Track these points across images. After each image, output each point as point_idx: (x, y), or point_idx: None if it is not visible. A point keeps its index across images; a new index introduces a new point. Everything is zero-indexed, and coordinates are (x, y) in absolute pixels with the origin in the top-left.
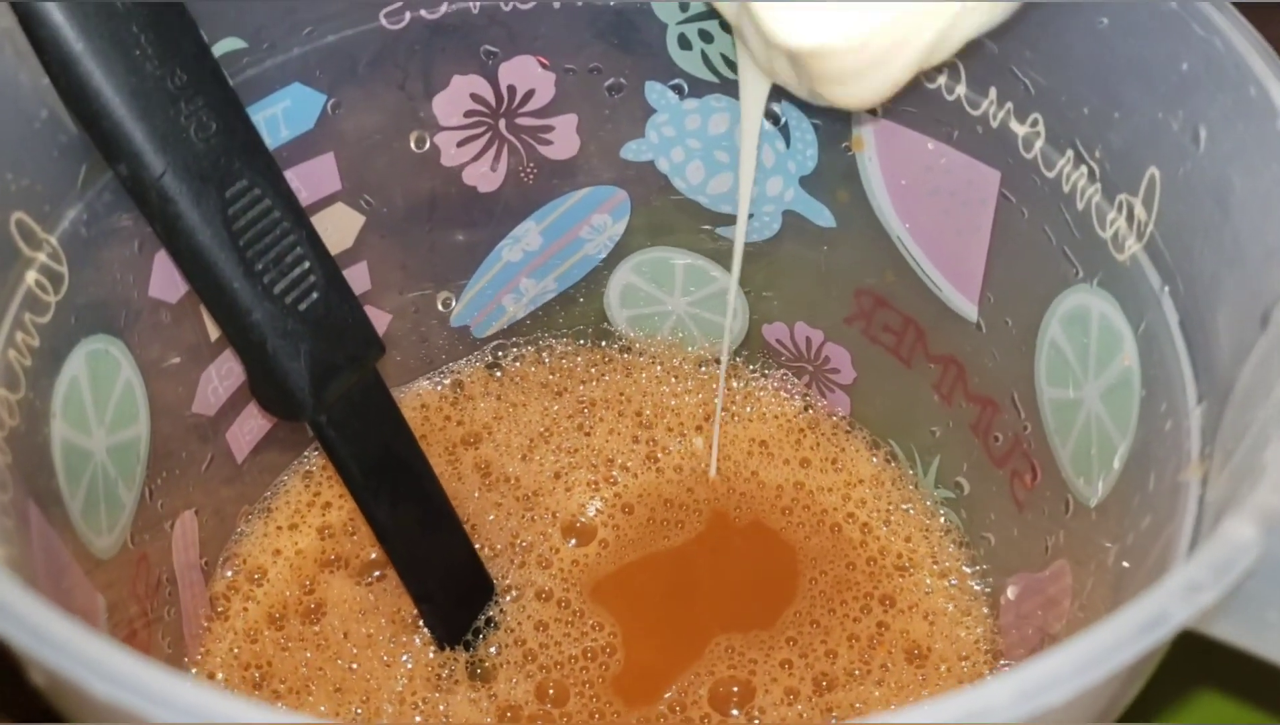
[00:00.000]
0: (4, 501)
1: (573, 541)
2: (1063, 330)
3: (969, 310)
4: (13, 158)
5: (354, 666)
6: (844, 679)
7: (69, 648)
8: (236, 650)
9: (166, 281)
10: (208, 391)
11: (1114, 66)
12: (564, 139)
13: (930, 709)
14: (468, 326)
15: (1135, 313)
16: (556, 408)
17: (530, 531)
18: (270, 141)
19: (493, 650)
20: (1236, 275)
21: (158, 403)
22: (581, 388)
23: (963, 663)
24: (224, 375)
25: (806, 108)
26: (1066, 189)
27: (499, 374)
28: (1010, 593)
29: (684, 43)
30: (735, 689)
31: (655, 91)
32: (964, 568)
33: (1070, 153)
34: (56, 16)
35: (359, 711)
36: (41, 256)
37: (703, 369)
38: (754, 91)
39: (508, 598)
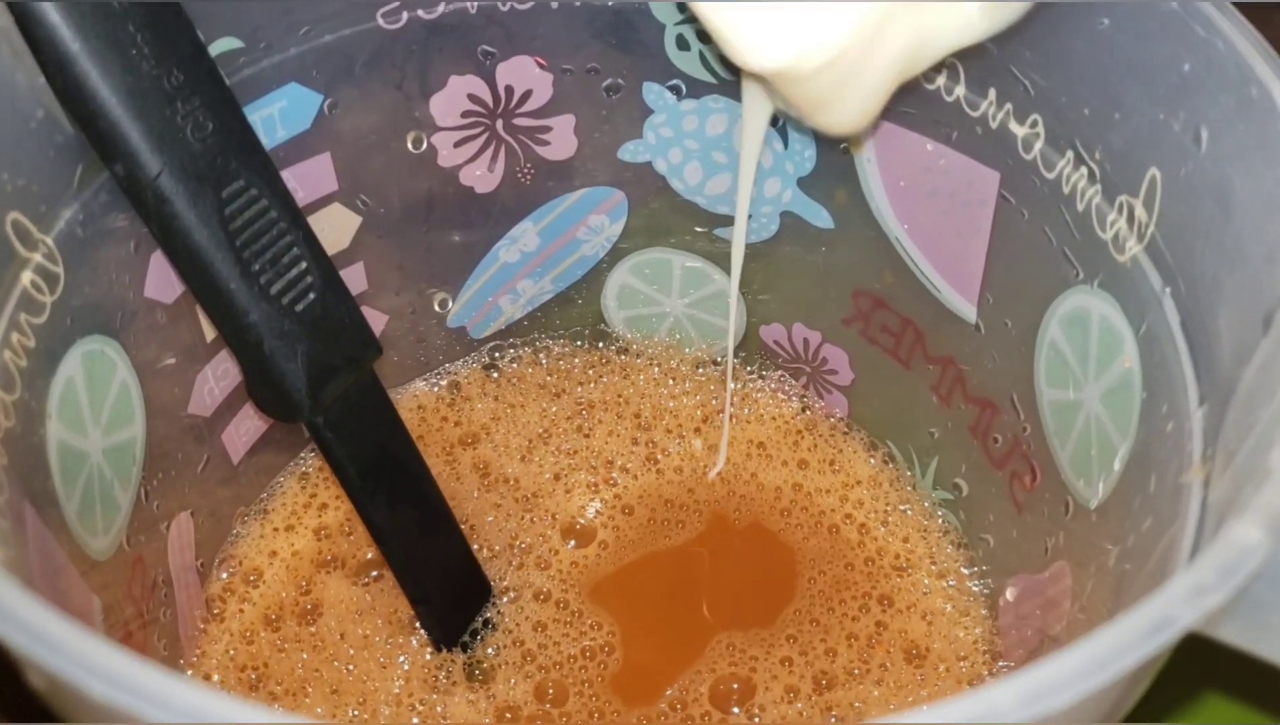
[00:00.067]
0: (0, 503)
1: (572, 543)
2: (1063, 332)
3: (968, 311)
4: (8, 158)
5: (351, 668)
6: (843, 678)
7: (66, 649)
8: (232, 652)
9: (162, 282)
10: (204, 392)
11: (1114, 67)
12: (561, 139)
13: (936, 711)
14: (465, 327)
15: (1136, 314)
16: (555, 409)
17: (529, 533)
18: (267, 141)
19: (490, 651)
20: (1238, 276)
21: (153, 404)
22: (579, 389)
23: (961, 663)
24: (220, 376)
25: None
26: (1067, 190)
27: (496, 375)
28: (1009, 594)
29: (682, 43)
30: (735, 686)
31: (653, 92)
32: (962, 568)
33: (1070, 154)
34: (53, 16)
35: (356, 713)
36: (37, 257)
37: (700, 371)
38: (756, 119)
39: (505, 599)
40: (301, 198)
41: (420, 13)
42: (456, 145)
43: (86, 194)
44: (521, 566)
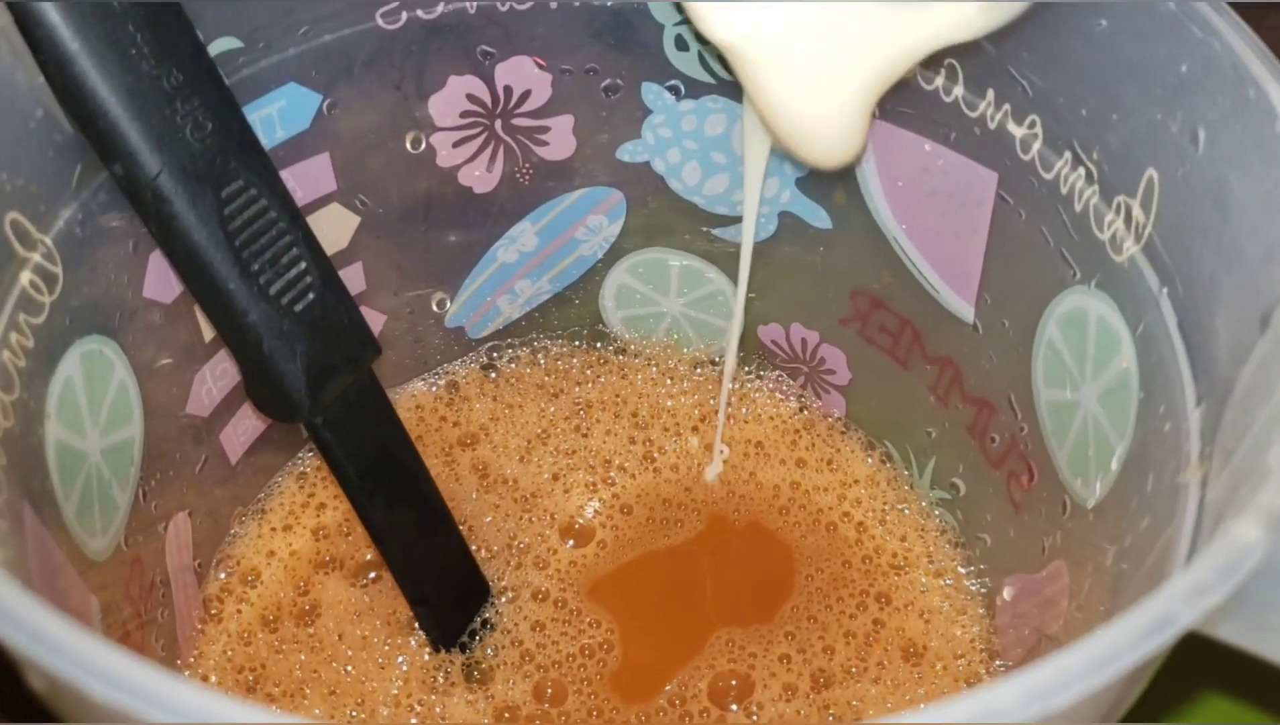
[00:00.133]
0: None
1: (570, 542)
2: (1060, 332)
3: (966, 312)
4: (8, 157)
5: (349, 669)
6: (841, 675)
7: (66, 649)
8: (230, 653)
9: (161, 282)
10: (202, 392)
11: (1112, 68)
12: (560, 140)
13: (935, 711)
14: (463, 327)
15: (1133, 314)
16: (553, 409)
17: (528, 533)
18: (266, 141)
19: (489, 651)
20: (1235, 276)
21: (152, 404)
22: (578, 389)
23: (958, 661)
24: (218, 376)
25: None
26: (1064, 190)
27: (494, 375)
28: (1007, 593)
29: (681, 44)
30: (734, 683)
31: (652, 92)
32: (959, 567)
33: (1068, 154)
34: (53, 16)
35: (354, 714)
36: (36, 257)
37: (698, 371)
38: (756, 154)
39: (504, 599)
40: (300, 198)
41: (419, 13)
42: (455, 145)
43: (85, 194)
44: (520, 566)
